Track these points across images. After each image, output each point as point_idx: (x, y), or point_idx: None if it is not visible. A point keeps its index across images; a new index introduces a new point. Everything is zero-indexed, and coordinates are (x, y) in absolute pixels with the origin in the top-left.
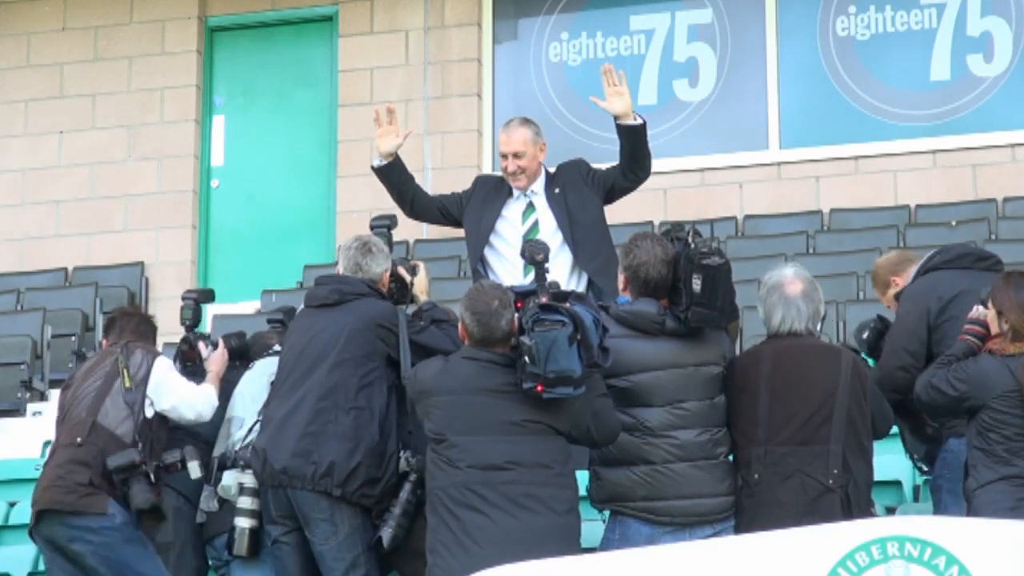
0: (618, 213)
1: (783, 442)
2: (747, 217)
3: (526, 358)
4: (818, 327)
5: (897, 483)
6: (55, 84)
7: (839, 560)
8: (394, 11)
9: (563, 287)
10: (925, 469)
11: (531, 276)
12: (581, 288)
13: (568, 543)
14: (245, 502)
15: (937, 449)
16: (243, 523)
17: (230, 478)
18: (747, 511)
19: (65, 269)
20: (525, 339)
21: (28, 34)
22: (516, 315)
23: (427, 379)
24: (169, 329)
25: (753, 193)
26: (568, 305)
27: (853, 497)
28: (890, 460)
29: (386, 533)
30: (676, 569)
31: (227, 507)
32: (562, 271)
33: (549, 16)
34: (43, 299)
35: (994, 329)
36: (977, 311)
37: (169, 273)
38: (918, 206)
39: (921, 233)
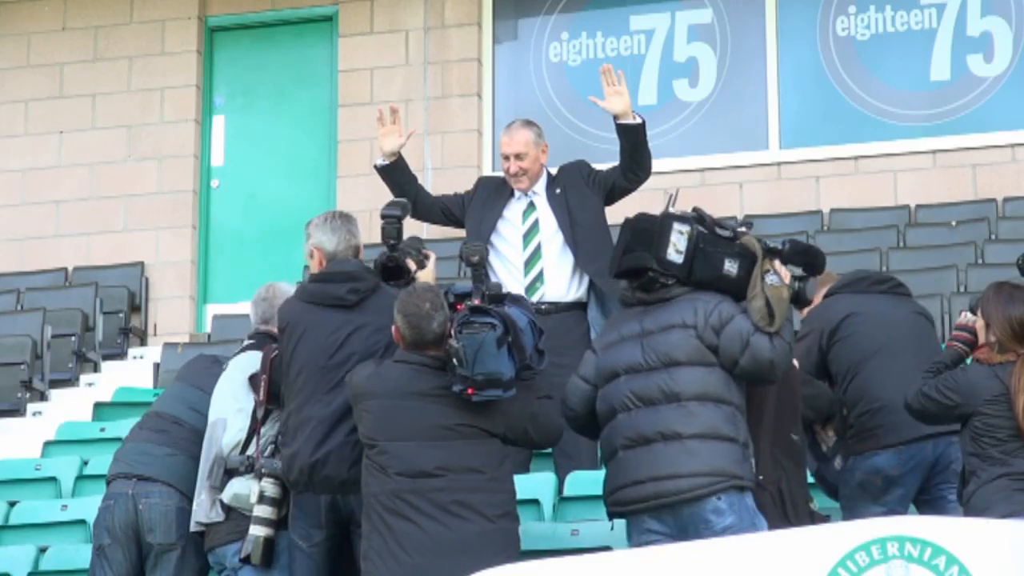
0: (619, 213)
1: None
2: (747, 217)
3: (454, 360)
4: None
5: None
6: (55, 84)
7: (839, 560)
8: (394, 11)
9: (565, 288)
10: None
11: (532, 275)
12: (583, 290)
13: (503, 548)
14: (264, 511)
15: (827, 467)
16: (260, 531)
17: (244, 487)
18: None
19: (65, 269)
20: (452, 341)
21: (28, 34)
22: (452, 317)
23: (359, 382)
24: (168, 329)
25: (753, 193)
26: (502, 307)
27: (786, 492)
28: None
29: None
30: (676, 569)
31: (234, 516)
32: (564, 272)
33: (549, 16)
34: (43, 299)
35: (982, 339)
36: (965, 317)
37: (169, 273)
38: (918, 206)
39: (921, 233)
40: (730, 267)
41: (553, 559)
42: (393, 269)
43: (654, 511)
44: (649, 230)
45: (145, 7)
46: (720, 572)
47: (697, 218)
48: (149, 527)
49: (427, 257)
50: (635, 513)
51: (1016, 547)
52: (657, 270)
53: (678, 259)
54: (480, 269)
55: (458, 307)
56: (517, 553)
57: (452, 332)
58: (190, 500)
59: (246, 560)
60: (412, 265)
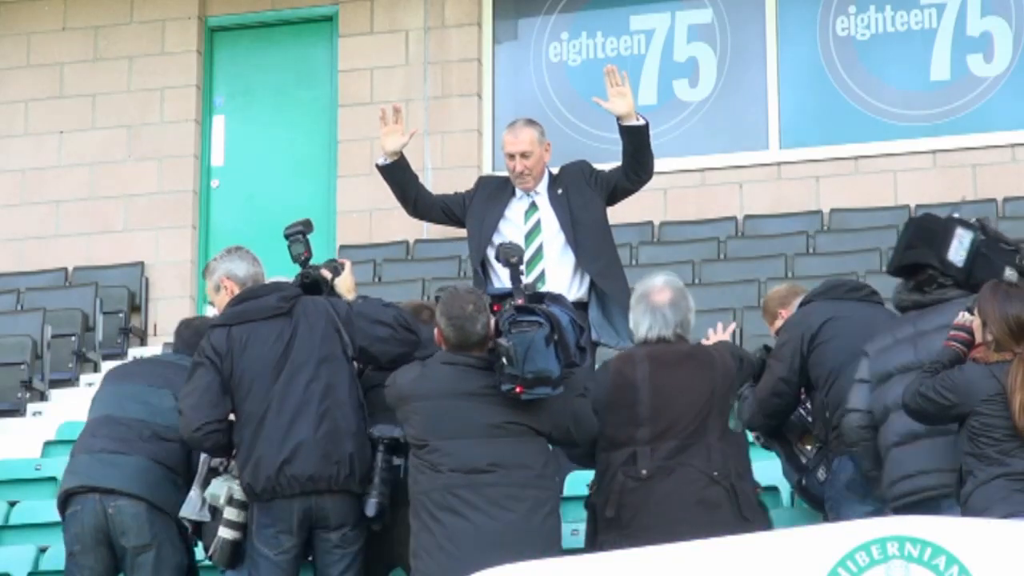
0: (619, 213)
1: (668, 439)
2: (747, 217)
3: (504, 360)
4: (689, 333)
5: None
6: (55, 84)
7: (839, 560)
8: (394, 11)
9: (566, 289)
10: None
11: (533, 275)
12: (584, 290)
13: (548, 545)
14: (232, 513)
15: (809, 478)
16: (228, 535)
17: (218, 487)
18: (628, 506)
19: (65, 269)
20: (502, 341)
21: (28, 34)
22: (492, 318)
23: (404, 385)
24: (168, 328)
25: (753, 193)
26: (544, 306)
27: (738, 486)
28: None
29: (371, 505)
30: (676, 569)
31: (219, 515)
32: (565, 272)
33: (549, 16)
34: (43, 299)
35: (979, 338)
36: (963, 317)
37: (169, 273)
38: (918, 206)
39: None
40: (1011, 275)
41: (553, 559)
42: (310, 285)
43: (920, 504)
44: (933, 229)
45: (145, 7)
46: (721, 572)
47: (980, 227)
48: (121, 530)
49: (342, 265)
50: (908, 508)
51: (1016, 547)
52: (937, 268)
53: (959, 261)
54: (518, 270)
55: (495, 308)
56: (560, 551)
57: (500, 331)
58: (158, 507)
59: (211, 559)
60: (328, 275)
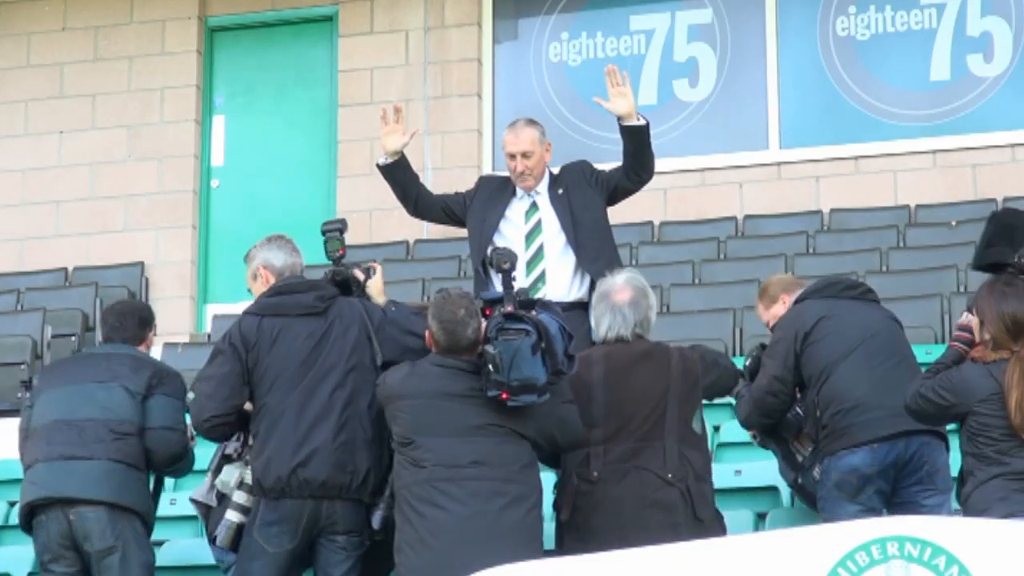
0: (618, 213)
1: (621, 441)
2: (747, 217)
3: (490, 367)
4: (649, 332)
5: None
6: (55, 84)
7: (839, 560)
8: (394, 11)
9: (566, 288)
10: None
11: (534, 275)
12: (584, 290)
13: (529, 541)
14: (242, 497)
15: (805, 476)
16: (234, 517)
17: (229, 473)
18: (583, 509)
19: (65, 269)
20: (489, 348)
21: (28, 34)
22: (484, 322)
23: (394, 383)
24: (168, 329)
25: (753, 193)
26: (533, 313)
27: (693, 488)
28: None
29: (377, 518)
30: (676, 569)
31: (225, 503)
32: (566, 272)
33: (549, 16)
34: (43, 299)
35: (978, 337)
36: (966, 318)
37: (169, 273)
38: (918, 206)
39: (921, 233)
40: None
41: (553, 559)
42: (341, 283)
43: None
44: (1013, 225)
45: (145, 7)
46: (721, 572)
47: None
48: (84, 535)
49: (373, 268)
50: None
51: (1016, 547)
52: (1018, 265)
53: None
54: (510, 276)
55: (487, 312)
56: (541, 549)
57: (487, 338)
58: (121, 507)
59: (214, 540)
60: (360, 276)
